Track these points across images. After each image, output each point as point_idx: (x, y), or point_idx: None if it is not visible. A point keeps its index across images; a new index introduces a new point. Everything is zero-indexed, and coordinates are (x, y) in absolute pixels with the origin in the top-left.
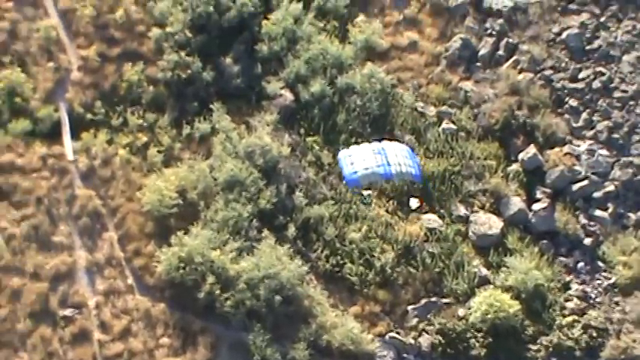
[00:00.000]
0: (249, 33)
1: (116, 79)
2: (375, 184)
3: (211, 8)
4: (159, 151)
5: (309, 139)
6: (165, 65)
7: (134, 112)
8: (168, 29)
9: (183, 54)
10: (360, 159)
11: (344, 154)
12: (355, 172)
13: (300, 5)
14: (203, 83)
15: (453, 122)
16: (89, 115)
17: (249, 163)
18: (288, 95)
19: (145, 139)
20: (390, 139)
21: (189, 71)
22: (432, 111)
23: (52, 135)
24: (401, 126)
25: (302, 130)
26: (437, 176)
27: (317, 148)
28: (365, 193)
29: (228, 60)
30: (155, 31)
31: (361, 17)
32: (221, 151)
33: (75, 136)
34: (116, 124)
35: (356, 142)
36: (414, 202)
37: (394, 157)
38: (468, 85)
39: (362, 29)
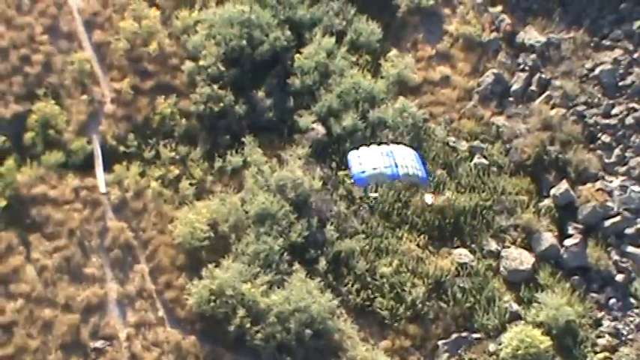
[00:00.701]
0: (282, 67)
1: (149, 111)
2: (381, 184)
3: (244, 42)
4: (191, 184)
5: (340, 172)
6: (198, 98)
7: (166, 145)
8: (202, 63)
9: (215, 87)
10: (369, 159)
11: (353, 155)
12: (363, 172)
13: (333, 39)
14: (235, 116)
15: (485, 157)
16: (122, 148)
17: (280, 196)
18: (320, 129)
19: (177, 171)
20: (398, 143)
21: (221, 104)
22: (463, 146)
23: (85, 167)
24: (432, 160)
25: (334, 164)
26: (468, 211)
27: (348, 181)
28: (372, 195)
29: (261, 93)
30: (188, 65)
31: (394, 52)
32: (253, 185)
33: (107, 168)
34: (148, 157)
35: None
36: (428, 198)
37: (402, 159)
38: (500, 120)
39: (394, 63)
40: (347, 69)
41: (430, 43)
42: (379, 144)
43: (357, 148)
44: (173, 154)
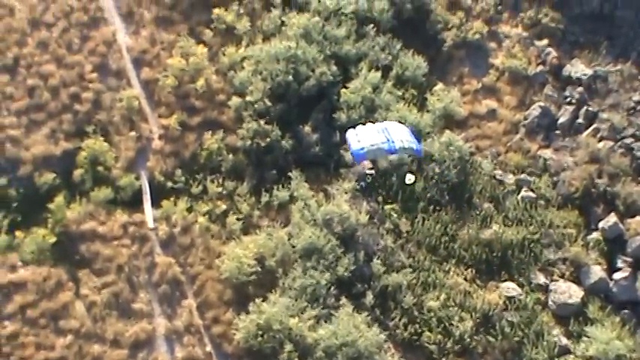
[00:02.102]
0: (328, 101)
1: (196, 147)
2: (379, 158)
3: (290, 77)
4: (238, 219)
5: (387, 206)
6: (245, 134)
7: (214, 181)
8: (248, 98)
9: (262, 122)
10: (366, 136)
11: (351, 133)
12: (362, 148)
13: (379, 74)
14: (282, 151)
15: (532, 190)
16: (169, 184)
17: (327, 230)
18: (366, 163)
19: (224, 206)
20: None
21: (268, 140)
22: (510, 179)
23: (133, 203)
24: (479, 194)
25: (380, 198)
26: (516, 244)
27: (395, 215)
28: (368, 172)
29: (307, 128)
30: (235, 100)
31: (439, 85)
32: (299, 219)
33: (155, 204)
34: (196, 192)
35: (434, 210)
36: (408, 178)
37: (397, 134)
38: (547, 153)
39: (440, 97)
40: (393, 103)
41: (476, 77)
42: (374, 122)
43: (354, 127)
44: (220, 189)
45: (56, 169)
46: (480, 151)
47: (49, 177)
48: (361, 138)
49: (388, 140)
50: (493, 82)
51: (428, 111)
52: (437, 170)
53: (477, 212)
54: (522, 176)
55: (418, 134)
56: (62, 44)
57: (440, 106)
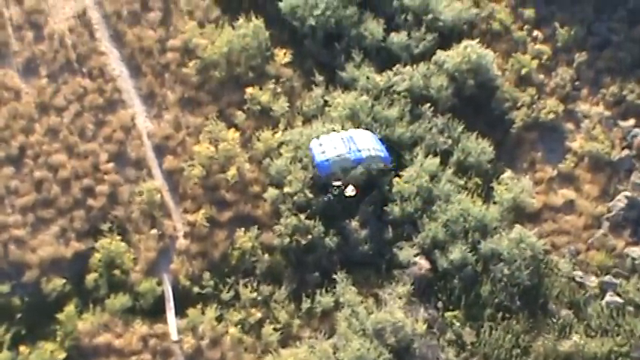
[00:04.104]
0: (379, 192)
1: (227, 247)
2: (346, 169)
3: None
4: (275, 329)
5: (448, 314)
6: (283, 230)
7: (247, 285)
8: (286, 189)
9: (302, 217)
10: (331, 146)
11: (315, 143)
12: (327, 160)
13: (437, 160)
14: (325, 250)
15: (619, 294)
16: (196, 289)
17: (378, 342)
18: (424, 263)
19: (259, 315)
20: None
21: (309, 237)
22: (593, 281)
23: (154, 312)
24: (556, 298)
25: (440, 304)
26: (600, 358)
27: (457, 324)
28: (336, 184)
29: (354, 224)
30: (271, 192)
31: (508, 173)
32: (346, 329)
33: (180, 312)
34: (226, 299)
35: (503, 318)
36: (350, 190)
37: (362, 142)
38: (636, 251)
39: (509, 187)
40: (454, 194)
41: (551, 163)
42: (338, 131)
43: (318, 137)
44: (254, 294)
45: (66, 274)
46: (557, 249)
47: (58, 283)
48: (326, 148)
49: (354, 150)
50: (570, 168)
51: (495, 202)
52: (506, 271)
53: (554, 320)
54: (607, 278)
55: (483, 228)
56: (74, 131)
57: (508, 197)
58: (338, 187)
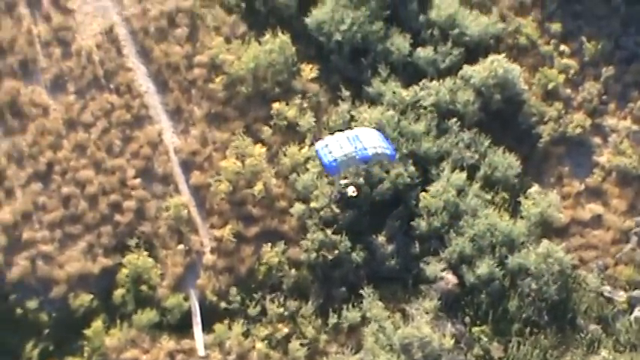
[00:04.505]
0: (405, 207)
1: (253, 262)
2: (355, 168)
3: (361, 180)
4: (302, 345)
5: (475, 329)
6: (309, 245)
7: (274, 300)
8: (313, 204)
9: (329, 232)
10: (337, 146)
11: (321, 145)
12: (335, 160)
13: (464, 175)
14: (352, 265)
15: None
16: (223, 304)
17: (405, 357)
18: (451, 278)
19: (285, 330)
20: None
21: (336, 252)
22: (621, 296)
23: (181, 327)
24: (584, 314)
25: (467, 319)
26: None
27: (485, 339)
28: (343, 182)
29: (381, 238)
30: (298, 207)
31: (535, 188)
32: (373, 344)
33: (207, 328)
34: (253, 314)
35: (531, 333)
36: (350, 190)
37: (368, 140)
38: None
39: (536, 201)
40: (481, 208)
41: (578, 178)
42: (342, 130)
43: (322, 139)
44: (281, 310)
45: (93, 290)
46: (584, 264)
47: (85, 298)
48: (332, 149)
49: (361, 148)
50: (598, 183)
51: (522, 217)
52: (534, 286)
53: (582, 335)
54: (635, 293)
55: (510, 243)
56: (101, 147)
57: (536, 212)
58: (347, 185)
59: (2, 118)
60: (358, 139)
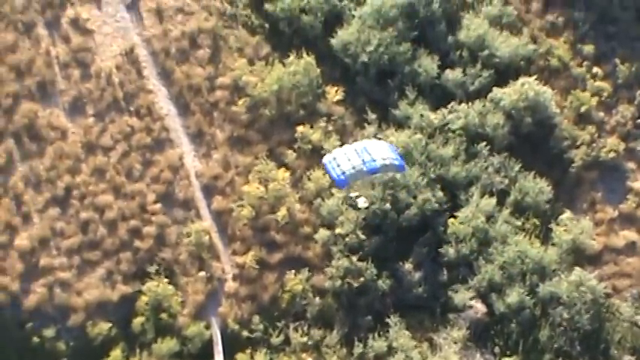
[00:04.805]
0: (433, 234)
1: (277, 289)
2: (363, 181)
3: (388, 205)
4: None
5: (505, 359)
6: (334, 272)
7: (297, 329)
8: (338, 230)
9: (354, 259)
10: (345, 159)
11: (328, 159)
12: (343, 173)
13: (494, 200)
14: (378, 293)
15: None
16: (245, 333)
17: None
18: (480, 307)
19: (310, 359)
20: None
21: (361, 279)
22: None
23: (203, 356)
24: (618, 344)
25: (497, 349)
26: None
27: None
28: (353, 195)
29: (408, 265)
30: (322, 233)
31: (567, 214)
32: None
33: (228, 357)
34: (276, 343)
35: None
36: (362, 202)
37: (377, 152)
38: None
39: (568, 228)
40: (511, 235)
41: (611, 204)
42: (351, 144)
43: (330, 152)
44: (305, 339)
45: (112, 318)
46: (618, 293)
47: (104, 327)
48: (340, 162)
49: (369, 160)
50: (632, 209)
51: (553, 244)
52: (565, 315)
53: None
54: None
55: (541, 271)
56: (121, 171)
57: (568, 239)
58: (356, 197)
59: (20, 141)
60: (366, 151)
